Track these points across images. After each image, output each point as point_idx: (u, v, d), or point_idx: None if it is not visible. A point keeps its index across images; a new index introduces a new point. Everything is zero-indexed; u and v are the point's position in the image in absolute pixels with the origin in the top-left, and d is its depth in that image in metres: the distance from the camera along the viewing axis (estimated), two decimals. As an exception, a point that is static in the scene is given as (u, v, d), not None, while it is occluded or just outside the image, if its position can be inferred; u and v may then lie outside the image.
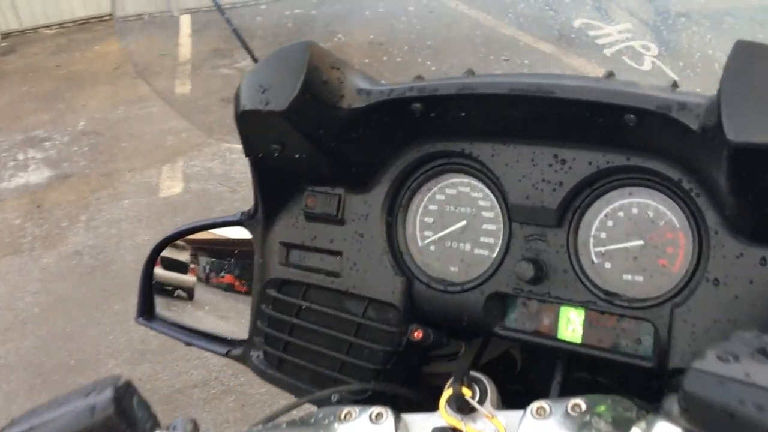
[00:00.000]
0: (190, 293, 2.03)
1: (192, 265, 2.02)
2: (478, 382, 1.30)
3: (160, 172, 7.99)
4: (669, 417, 0.89)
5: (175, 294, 2.06)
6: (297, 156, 1.45)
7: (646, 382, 1.68)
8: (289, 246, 1.67)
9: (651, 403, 1.38)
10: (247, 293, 1.84)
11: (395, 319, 1.50)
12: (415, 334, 1.49)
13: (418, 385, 1.75)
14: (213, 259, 2.00)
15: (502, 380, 1.92)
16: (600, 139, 1.26)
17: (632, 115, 1.13)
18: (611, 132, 1.22)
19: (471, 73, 1.38)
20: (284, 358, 1.66)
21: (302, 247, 1.65)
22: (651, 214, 1.29)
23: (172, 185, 7.70)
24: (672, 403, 0.92)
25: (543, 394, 1.85)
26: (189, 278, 2.02)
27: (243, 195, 6.90)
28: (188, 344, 1.92)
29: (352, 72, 1.40)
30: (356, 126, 1.40)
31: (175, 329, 1.95)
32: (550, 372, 1.76)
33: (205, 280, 2.00)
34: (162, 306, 2.01)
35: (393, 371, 1.53)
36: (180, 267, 2.03)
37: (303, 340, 1.63)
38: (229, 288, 1.95)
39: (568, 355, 1.41)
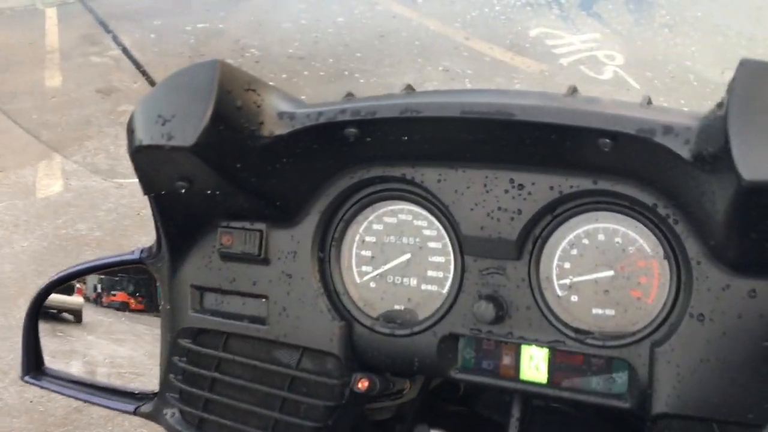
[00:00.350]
0: (77, 316, 1.77)
1: (78, 285, 1.75)
2: (441, 442, 1.15)
3: (36, 170, 7.34)
4: None
5: (61, 315, 1.78)
6: (209, 192, 1.22)
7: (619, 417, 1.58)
8: (202, 289, 1.44)
9: None
10: (144, 311, 1.65)
11: (335, 369, 1.32)
12: (360, 385, 1.31)
13: (357, 427, 1.58)
14: (102, 276, 1.74)
15: (445, 401, 1.81)
16: (563, 162, 1.11)
17: (607, 140, 0.98)
18: (578, 155, 1.07)
19: (410, 89, 1.19)
20: (205, 417, 1.44)
21: (219, 291, 1.42)
22: (620, 240, 1.16)
23: (50, 183, 7.09)
24: None
25: (492, 422, 1.74)
26: (75, 299, 1.75)
27: (131, 191, 6.44)
28: (87, 402, 1.66)
29: (271, 93, 1.17)
30: (279, 156, 1.18)
31: (70, 386, 1.67)
32: (499, 398, 1.62)
33: (95, 301, 1.75)
34: (47, 332, 1.72)
35: (335, 427, 1.35)
36: (64, 288, 1.75)
37: (227, 397, 1.42)
38: (123, 307, 1.71)
39: (532, 395, 1.28)
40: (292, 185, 1.26)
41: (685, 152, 0.91)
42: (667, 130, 0.93)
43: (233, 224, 1.37)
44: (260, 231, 1.35)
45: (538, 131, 1.03)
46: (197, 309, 1.44)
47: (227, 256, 1.38)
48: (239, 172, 1.17)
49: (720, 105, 0.85)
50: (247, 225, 1.36)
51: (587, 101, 1.04)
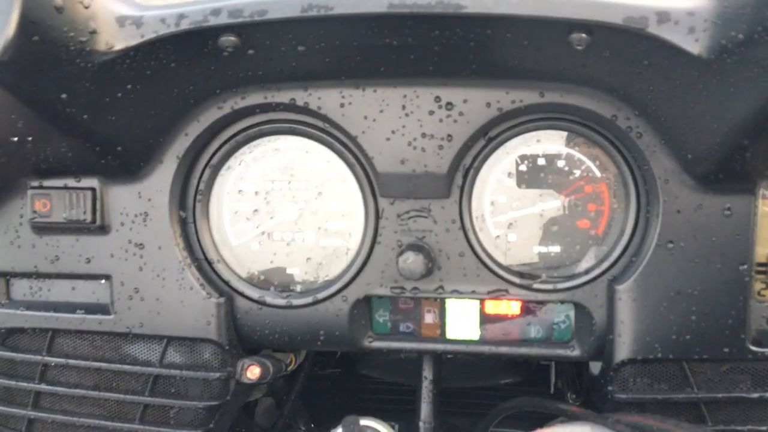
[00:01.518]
0: None
1: None
2: (375, 435, 0.93)
3: None
4: None
5: None
6: (15, 140, 0.84)
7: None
8: (8, 276, 1.05)
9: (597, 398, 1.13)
10: None
11: (215, 358, 1.02)
12: (249, 374, 1.03)
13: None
14: None
15: (317, 364, 1.57)
16: (504, 71, 0.89)
17: (583, 34, 0.77)
18: (530, 60, 0.86)
19: None
20: None
21: (35, 276, 1.04)
22: (563, 163, 0.98)
23: None
24: None
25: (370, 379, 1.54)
26: None
27: None
28: None
29: None
30: (121, 80, 0.83)
31: None
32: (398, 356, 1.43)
33: None
34: None
35: (218, 427, 1.06)
36: None
37: (61, 413, 1.06)
38: None
39: (461, 354, 1.09)
40: (138, 123, 0.91)
41: (690, 44, 0.73)
42: (663, 17, 0.74)
43: (49, 183, 0.99)
44: (92, 189, 0.99)
45: (491, 29, 0.79)
46: (3, 302, 1.06)
47: (44, 228, 1.01)
48: (65, 105, 0.80)
49: None
50: (71, 182, 0.99)
51: None
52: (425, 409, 1.11)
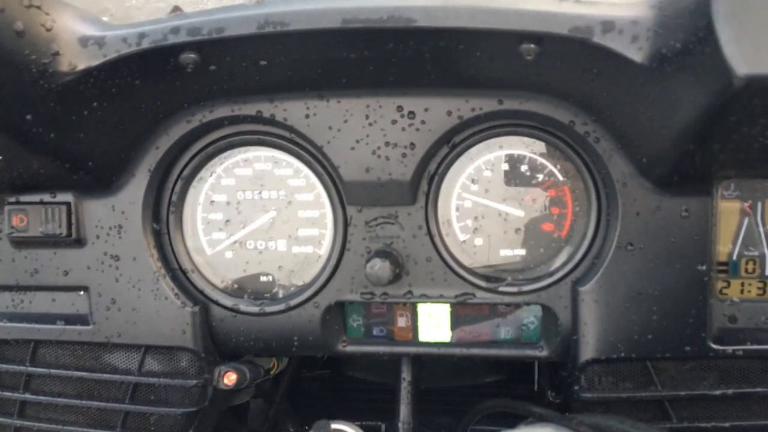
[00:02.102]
0: None
1: None
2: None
3: None
4: None
5: None
6: None
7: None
8: None
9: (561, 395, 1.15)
10: None
11: (193, 366, 1.05)
12: (226, 380, 1.06)
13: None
14: None
15: (305, 366, 1.59)
16: (464, 81, 0.91)
17: (532, 45, 0.79)
18: (485, 69, 0.88)
19: None
20: None
21: (16, 288, 1.06)
22: (526, 168, 0.99)
23: None
24: None
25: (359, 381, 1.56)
26: None
27: None
28: None
29: (64, 10, 0.82)
30: (86, 99, 0.85)
31: None
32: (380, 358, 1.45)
33: None
34: None
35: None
36: None
37: (45, 422, 1.09)
38: None
39: (434, 357, 1.11)
40: (107, 139, 0.93)
41: (633, 53, 0.74)
42: (608, 26, 0.75)
43: (26, 198, 1.01)
44: (66, 204, 1.01)
45: (444, 41, 0.81)
46: None
47: (22, 242, 1.03)
48: (30, 126, 0.83)
49: None
50: (46, 197, 1.01)
51: None
52: (404, 410, 1.13)
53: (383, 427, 1.39)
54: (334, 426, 0.95)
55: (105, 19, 0.95)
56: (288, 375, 1.37)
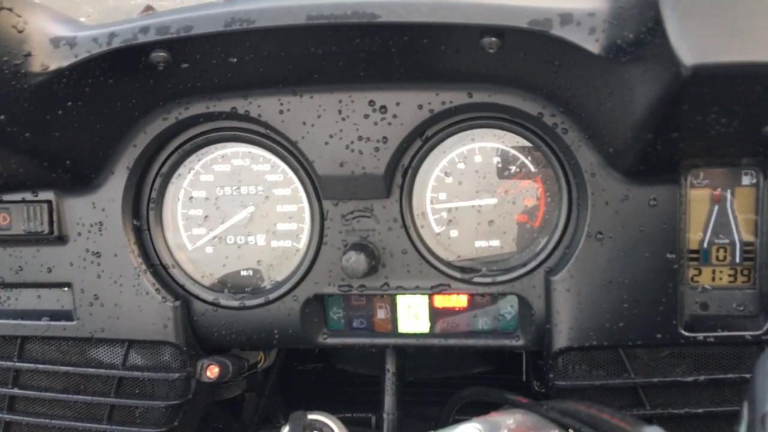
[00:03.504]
0: None
1: None
2: (323, 428, 0.96)
3: None
4: None
5: None
6: None
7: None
8: None
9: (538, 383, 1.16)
10: None
11: (175, 360, 1.06)
12: (209, 373, 1.07)
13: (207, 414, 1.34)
14: None
15: (299, 359, 1.61)
16: (434, 74, 0.92)
17: (493, 38, 0.80)
18: (453, 63, 0.89)
19: None
20: None
21: (1, 286, 1.09)
22: (499, 160, 1.00)
23: None
24: None
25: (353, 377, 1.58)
26: None
27: None
28: None
29: (38, 12, 0.84)
30: (60, 99, 0.87)
31: None
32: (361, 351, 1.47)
33: None
34: None
35: (184, 426, 1.11)
36: None
37: (33, 416, 1.11)
38: None
39: (413, 348, 1.12)
40: (83, 137, 0.95)
41: (591, 44, 0.76)
42: (566, 19, 0.76)
43: (8, 197, 1.03)
44: (48, 202, 1.03)
45: (408, 35, 0.82)
46: None
47: (6, 240, 1.05)
48: (5, 126, 0.84)
49: None
50: (28, 196, 1.03)
51: None
52: (388, 401, 1.15)
53: (373, 418, 1.41)
54: (311, 416, 0.97)
55: (82, 20, 0.97)
56: (277, 368, 1.39)
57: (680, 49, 0.62)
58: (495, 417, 0.87)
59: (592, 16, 0.75)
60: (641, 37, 0.68)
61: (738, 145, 0.83)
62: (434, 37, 0.82)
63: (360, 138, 0.97)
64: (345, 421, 1.00)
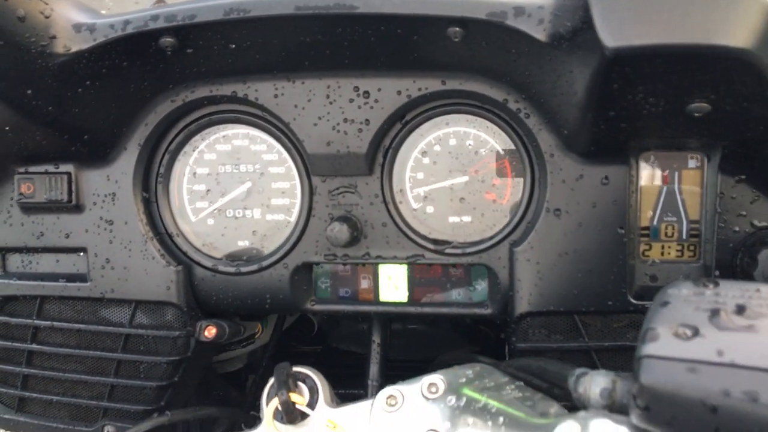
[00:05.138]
0: None
1: None
2: (305, 379, 1.06)
3: None
4: (587, 404, 0.73)
5: None
6: None
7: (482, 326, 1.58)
8: (3, 251, 1.22)
9: (496, 352, 1.26)
10: None
11: (176, 319, 1.17)
12: (207, 333, 1.18)
13: (204, 384, 1.45)
14: None
15: (298, 341, 1.72)
16: (410, 63, 1.03)
17: (457, 28, 0.91)
18: (426, 52, 1.00)
19: None
20: (26, 396, 1.24)
21: (25, 250, 1.21)
22: (471, 143, 1.11)
23: None
24: (590, 382, 0.75)
25: (351, 354, 1.69)
26: None
27: None
28: None
29: (63, 1, 0.97)
30: (80, 78, 0.99)
31: None
32: (357, 329, 1.57)
33: None
34: None
35: (183, 382, 1.21)
36: None
37: (50, 369, 1.23)
38: None
39: (393, 315, 1.23)
40: (100, 114, 1.07)
41: (539, 33, 0.86)
42: (519, 11, 0.87)
43: (33, 169, 1.15)
44: (68, 174, 1.15)
45: (384, 25, 0.94)
46: (0, 274, 1.22)
47: (30, 208, 1.17)
48: (31, 99, 0.97)
49: None
50: (50, 168, 1.15)
51: None
52: (373, 369, 1.25)
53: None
54: (295, 369, 1.06)
55: (103, 12, 1.10)
56: (272, 344, 1.50)
57: (603, 34, 0.73)
58: (457, 369, 0.97)
59: (541, 8, 0.86)
60: (577, 26, 0.79)
61: (676, 128, 0.92)
62: (407, 28, 0.94)
63: (345, 120, 1.08)
64: (340, 396, 1.10)
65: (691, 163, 1.02)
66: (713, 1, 0.70)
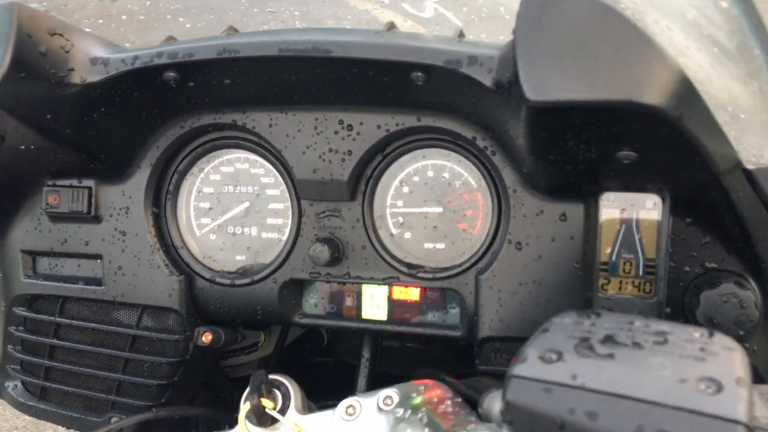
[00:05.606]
0: None
1: None
2: (280, 386, 1.15)
3: None
4: (489, 420, 0.80)
5: None
6: (23, 148, 1.15)
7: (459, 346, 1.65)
8: (34, 254, 1.37)
9: (467, 369, 1.32)
10: None
11: (177, 324, 1.29)
12: (204, 338, 1.29)
13: (216, 386, 1.57)
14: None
15: (310, 354, 1.82)
16: (388, 100, 1.12)
17: (420, 73, 1.00)
18: (399, 91, 1.09)
19: (233, 30, 1.16)
20: (47, 386, 1.38)
21: (51, 254, 1.35)
22: (447, 176, 1.19)
23: None
24: (492, 400, 0.83)
25: (352, 367, 1.77)
26: None
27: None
28: None
29: (82, 37, 1.11)
30: (95, 105, 1.13)
31: None
32: (359, 343, 1.65)
33: None
34: None
35: (182, 382, 1.33)
36: None
37: (68, 363, 1.36)
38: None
39: (375, 332, 1.31)
40: (116, 137, 1.21)
41: (488, 81, 0.94)
42: (472, 60, 0.96)
43: (59, 182, 1.30)
44: (89, 188, 1.29)
45: (357, 68, 1.04)
46: (30, 275, 1.37)
47: (56, 217, 1.32)
48: (51, 124, 1.11)
49: (515, 32, 0.88)
50: (74, 182, 1.29)
51: (404, 37, 1.05)
52: (361, 382, 1.33)
53: None
54: (272, 376, 1.16)
55: (127, 45, 1.24)
56: (275, 353, 1.60)
57: (525, 87, 0.80)
58: (413, 384, 1.05)
59: (491, 59, 0.94)
60: (512, 77, 0.86)
61: (617, 172, 0.98)
62: (376, 71, 1.03)
63: (330, 150, 1.18)
64: (331, 407, 1.18)
65: (648, 204, 1.07)
66: (627, 59, 0.77)
